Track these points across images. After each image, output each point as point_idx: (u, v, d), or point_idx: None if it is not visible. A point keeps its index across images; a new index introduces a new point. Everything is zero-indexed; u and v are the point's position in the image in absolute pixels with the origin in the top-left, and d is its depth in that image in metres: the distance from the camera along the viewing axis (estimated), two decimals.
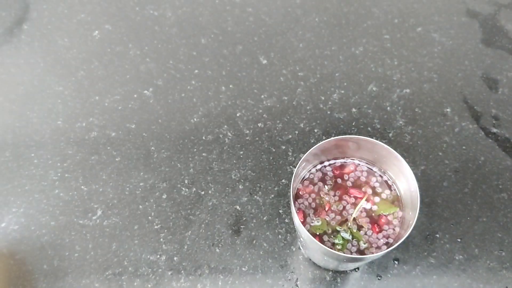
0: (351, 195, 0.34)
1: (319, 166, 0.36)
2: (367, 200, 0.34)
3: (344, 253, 0.31)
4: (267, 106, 0.48)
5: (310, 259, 0.39)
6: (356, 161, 0.36)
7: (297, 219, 0.30)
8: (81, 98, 0.49)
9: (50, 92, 0.50)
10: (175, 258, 0.40)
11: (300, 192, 0.35)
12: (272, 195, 0.42)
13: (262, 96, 0.48)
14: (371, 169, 0.35)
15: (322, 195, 0.34)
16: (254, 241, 0.40)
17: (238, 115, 0.47)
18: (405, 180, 0.32)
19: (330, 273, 0.39)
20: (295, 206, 0.32)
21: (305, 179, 0.35)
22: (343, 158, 0.36)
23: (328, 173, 0.35)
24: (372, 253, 0.32)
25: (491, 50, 0.50)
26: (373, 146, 0.33)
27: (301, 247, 0.39)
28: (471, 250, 0.39)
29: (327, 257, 0.32)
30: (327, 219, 0.33)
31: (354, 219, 0.33)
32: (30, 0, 0.57)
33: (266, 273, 0.38)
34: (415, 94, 0.48)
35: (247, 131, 0.46)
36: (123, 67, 0.51)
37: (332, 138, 0.32)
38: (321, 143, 0.32)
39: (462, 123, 0.46)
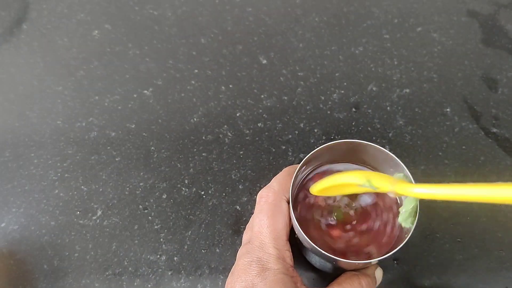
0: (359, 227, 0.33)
1: (320, 169, 0.35)
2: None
3: (341, 258, 0.31)
4: (267, 106, 0.48)
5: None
6: (355, 166, 0.35)
7: (295, 221, 0.30)
8: (81, 98, 0.49)
9: (49, 92, 0.50)
10: (175, 258, 0.40)
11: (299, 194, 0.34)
12: None
13: (262, 96, 0.48)
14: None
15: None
16: None
17: (238, 115, 0.47)
18: None
19: (330, 273, 0.39)
20: (293, 207, 0.32)
21: (305, 181, 0.35)
22: (343, 162, 0.35)
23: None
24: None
25: (491, 50, 0.50)
26: (371, 150, 0.32)
27: (300, 249, 0.39)
28: (471, 250, 0.39)
29: (324, 260, 0.32)
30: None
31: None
32: (29, 0, 0.57)
33: None
34: (415, 94, 0.48)
35: (247, 131, 0.46)
36: (123, 67, 0.51)
37: (330, 143, 0.32)
38: (320, 147, 0.31)
39: (462, 123, 0.46)
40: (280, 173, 0.34)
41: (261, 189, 0.33)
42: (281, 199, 0.32)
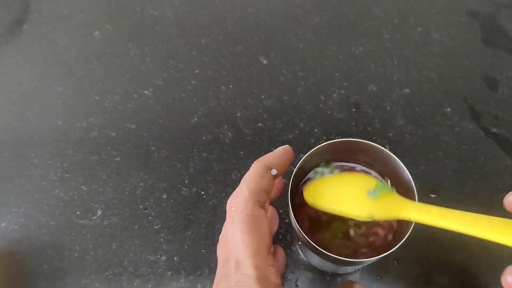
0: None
1: (318, 169, 0.35)
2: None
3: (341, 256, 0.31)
4: (267, 106, 0.48)
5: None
6: (354, 164, 0.35)
7: (295, 222, 0.30)
8: (81, 98, 0.49)
9: (50, 92, 0.50)
10: (175, 258, 0.40)
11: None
12: None
13: (262, 96, 0.48)
14: (370, 173, 0.35)
15: None
16: None
17: (238, 115, 0.47)
18: (403, 185, 0.32)
19: (330, 273, 0.39)
20: (293, 207, 0.32)
21: (305, 181, 0.35)
22: (342, 161, 0.35)
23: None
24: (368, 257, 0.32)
25: (491, 50, 0.50)
26: (371, 149, 0.32)
27: (300, 250, 0.39)
28: (471, 250, 0.39)
29: (325, 260, 0.32)
30: None
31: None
32: (30, 0, 0.57)
33: None
34: (415, 93, 0.48)
35: (247, 131, 0.46)
36: (123, 67, 0.51)
37: (330, 141, 0.32)
38: (319, 146, 0.31)
39: (462, 123, 0.46)
40: (248, 172, 0.28)
41: (230, 197, 0.27)
42: (253, 205, 0.26)
